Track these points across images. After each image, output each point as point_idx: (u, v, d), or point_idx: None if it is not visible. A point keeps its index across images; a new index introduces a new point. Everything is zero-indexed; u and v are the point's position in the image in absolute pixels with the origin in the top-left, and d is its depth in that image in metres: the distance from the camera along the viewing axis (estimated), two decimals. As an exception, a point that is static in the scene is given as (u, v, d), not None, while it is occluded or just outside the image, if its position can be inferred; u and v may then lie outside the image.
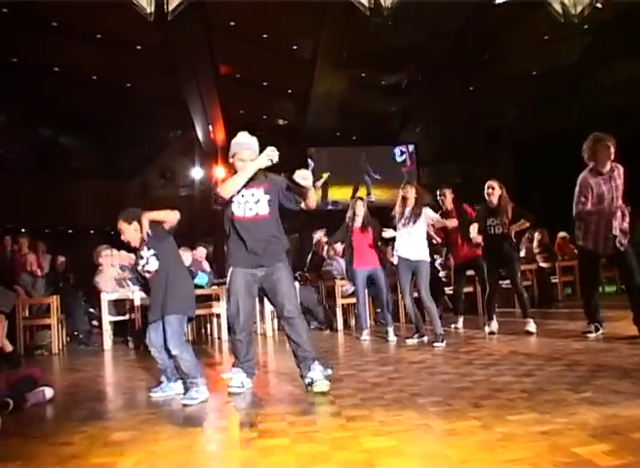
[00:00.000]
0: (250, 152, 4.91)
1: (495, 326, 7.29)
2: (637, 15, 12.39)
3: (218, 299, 9.15)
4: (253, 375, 4.92)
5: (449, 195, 8.32)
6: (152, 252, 4.62)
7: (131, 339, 8.83)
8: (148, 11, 9.09)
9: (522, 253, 11.37)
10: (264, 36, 14.34)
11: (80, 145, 17.49)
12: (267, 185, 4.84)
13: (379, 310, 10.12)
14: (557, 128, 16.51)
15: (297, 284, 9.48)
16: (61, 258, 11.00)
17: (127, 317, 9.03)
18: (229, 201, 4.75)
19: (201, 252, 10.54)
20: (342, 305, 9.89)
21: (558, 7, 11.04)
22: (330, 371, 4.77)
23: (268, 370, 6.16)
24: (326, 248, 10.54)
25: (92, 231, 17.40)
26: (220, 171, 18.20)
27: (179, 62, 14.50)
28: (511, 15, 12.53)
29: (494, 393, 3.86)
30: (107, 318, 8.90)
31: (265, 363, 6.85)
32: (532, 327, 6.94)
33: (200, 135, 17.86)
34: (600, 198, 5.96)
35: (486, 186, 7.37)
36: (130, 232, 4.76)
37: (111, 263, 9.38)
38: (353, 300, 9.98)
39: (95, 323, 9.74)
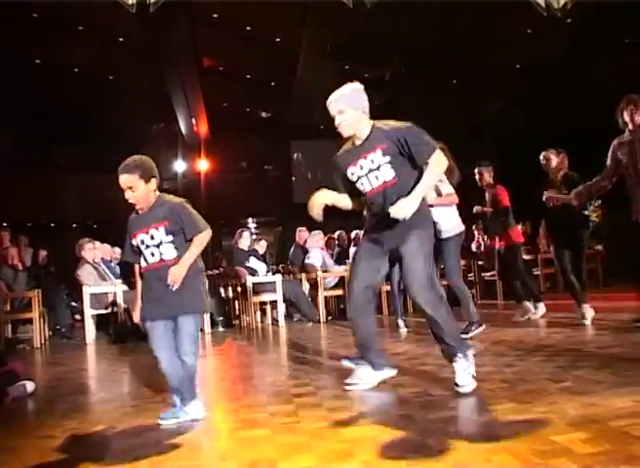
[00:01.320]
0: (334, 104, 3.92)
1: (589, 312, 6.62)
2: (619, 8, 12.46)
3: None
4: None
5: (487, 175, 7.67)
6: (170, 238, 3.53)
7: (113, 333, 8.79)
8: (130, 2, 9.02)
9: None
10: (248, 28, 14.31)
11: (62, 138, 17.35)
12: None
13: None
14: (541, 121, 16.58)
15: (279, 276, 9.53)
16: (43, 252, 10.94)
17: (109, 310, 8.99)
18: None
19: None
20: (325, 297, 9.92)
21: (541, 0, 11.07)
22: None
23: (252, 361, 6.17)
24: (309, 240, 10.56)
25: (74, 225, 17.32)
26: (202, 164, 18.16)
27: (161, 55, 14.42)
28: (494, 8, 12.55)
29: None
30: (89, 311, 8.86)
31: (250, 353, 6.86)
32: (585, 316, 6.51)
33: (183, 127, 17.80)
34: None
35: (542, 158, 7.01)
36: (144, 191, 3.53)
37: (93, 257, 9.32)
38: (336, 292, 10.03)
39: (77, 316, 9.70)
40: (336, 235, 12.01)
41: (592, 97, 15.27)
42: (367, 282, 3.98)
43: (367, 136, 3.83)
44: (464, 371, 3.66)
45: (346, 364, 4.25)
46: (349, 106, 3.82)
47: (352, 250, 11.20)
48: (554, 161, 6.91)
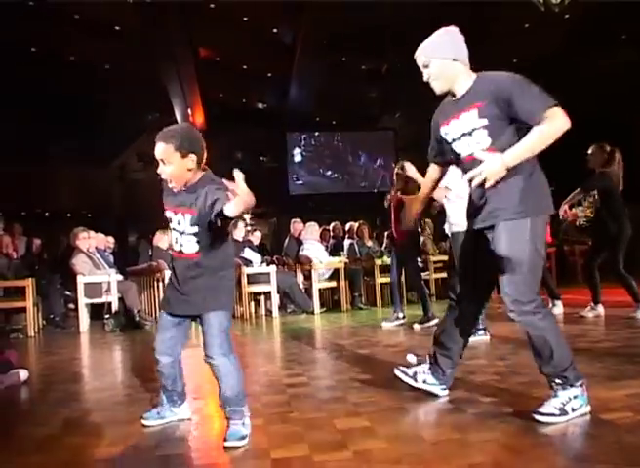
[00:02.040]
0: (418, 57, 3.23)
1: (598, 311, 6.75)
2: (616, 5, 12.47)
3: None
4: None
5: None
6: (195, 230, 3.01)
7: (107, 322, 8.79)
8: (127, -9, 8.99)
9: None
10: (245, 19, 14.25)
11: (57, 128, 17.28)
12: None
13: (356, 294, 10.19)
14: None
15: (273, 267, 9.53)
16: (37, 241, 10.91)
17: (103, 299, 8.98)
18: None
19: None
20: (319, 289, 9.94)
21: (539, -4, 11.07)
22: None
23: (245, 351, 6.18)
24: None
25: (68, 214, 17.27)
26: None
27: (158, 45, 14.37)
28: (492, 3, 12.55)
29: (467, 376, 3.90)
30: (83, 300, 8.86)
31: (244, 344, 6.87)
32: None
33: (179, 118, 17.75)
34: None
35: (591, 150, 6.75)
36: (179, 168, 2.96)
37: (88, 246, 9.31)
38: (330, 284, 10.05)
39: (71, 306, 9.69)
40: (330, 227, 12.01)
41: (588, 92, 15.30)
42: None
43: (467, 90, 3.09)
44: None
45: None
46: (435, 57, 3.12)
47: (347, 242, 11.23)
48: (600, 157, 6.67)
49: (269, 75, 17.78)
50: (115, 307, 8.88)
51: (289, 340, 6.81)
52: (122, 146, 18.61)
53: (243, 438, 2.84)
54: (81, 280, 8.82)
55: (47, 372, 5.48)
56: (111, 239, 10.63)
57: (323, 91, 17.44)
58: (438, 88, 3.16)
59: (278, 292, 9.79)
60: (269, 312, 9.91)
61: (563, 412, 2.79)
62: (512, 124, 2.93)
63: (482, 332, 5.68)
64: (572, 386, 2.88)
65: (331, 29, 14.26)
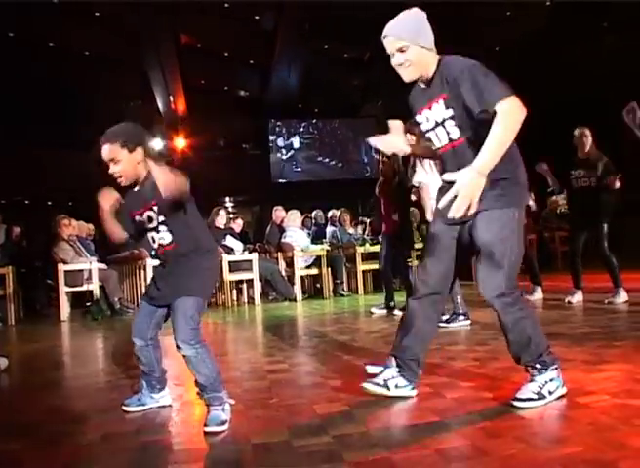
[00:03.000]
0: (392, 39, 2.94)
1: (578, 297, 6.69)
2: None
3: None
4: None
5: None
6: (162, 218, 3.02)
7: (89, 310, 8.76)
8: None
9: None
10: (226, 5, 14.18)
11: (37, 115, 17.13)
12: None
13: (338, 281, 10.21)
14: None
15: (255, 255, 9.53)
16: (17, 229, 10.84)
17: (84, 287, 8.95)
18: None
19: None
20: (301, 276, 9.95)
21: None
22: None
23: (227, 338, 6.19)
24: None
25: (49, 202, 17.15)
26: (180, 142, 18.05)
27: (139, 32, 14.27)
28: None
29: (447, 361, 3.93)
30: (65, 289, 8.82)
31: (225, 331, 6.88)
32: (620, 297, 6.37)
33: (160, 105, 17.66)
34: None
35: (576, 133, 6.58)
36: (129, 163, 3.00)
37: (69, 234, 9.26)
38: (312, 271, 10.06)
39: (52, 294, 9.65)
40: (313, 214, 12.02)
41: (569, 79, 15.38)
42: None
43: (432, 77, 2.94)
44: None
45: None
46: (415, 43, 2.89)
47: (329, 229, 11.24)
48: (589, 139, 6.54)
49: (251, 62, 17.74)
50: (96, 295, 8.85)
51: (271, 328, 6.83)
52: (103, 133, 18.48)
53: (223, 423, 2.82)
54: (62, 268, 8.78)
55: (27, 360, 5.48)
56: (92, 226, 10.57)
57: (305, 78, 17.42)
58: (410, 75, 2.97)
59: (260, 280, 9.79)
60: (251, 299, 9.92)
61: (541, 396, 2.80)
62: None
63: (462, 318, 5.72)
64: (547, 370, 2.88)
65: (312, 16, 14.22)
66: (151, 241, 3.13)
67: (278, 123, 19.95)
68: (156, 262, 3.29)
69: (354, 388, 3.32)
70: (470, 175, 2.59)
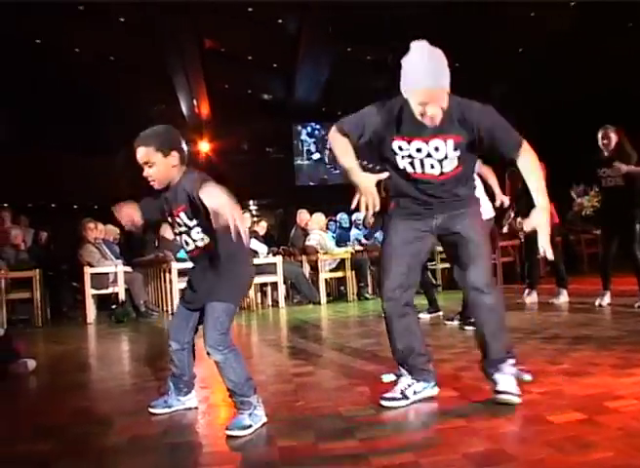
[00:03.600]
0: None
1: (607, 299, 6.59)
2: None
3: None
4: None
5: None
6: (195, 222, 2.99)
7: (114, 313, 8.82)
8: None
9: (505, 229, 11.44)
10: (249, 9, 14.23)
11: (63, 119, 17.30)
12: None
13: (362, 284, 10.18)
14: (544, 105, 16.55)
15: (280, 258, 9.54)
16: (44, 233, 10.96)
17: (110, 290, 9.01)
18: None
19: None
20: (325, 279, 9.95)
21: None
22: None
23: (252, 341, 6.20)
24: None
25: (75, 206, 17.31)
26: (204, 145, 18.14)
27: (163, 36, 14.37)
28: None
29: (473, 365, 3.89)
30: (90, 291, 8.89)
31: (250, 334, 6.89)
32: None
33: (184, 109, 17.76)
34: None
35: (600, 136, 6.52)
36: (164, 167, 2.97)
37: (95, 236, 9.33)
38: (336, 274, 10.05)
39: (78, 296, 9.74)
40: (337, 217, 12.03)
41: (595, 80, 15.24)
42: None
43: (442, 116, 2.93)
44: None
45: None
46: (444, 88, 2.95)
47: (353, 232, 11.23)
48: (614, 139, 6.45)
49: (275, 66, 17.77)
50: (122, 298, 8.91)
51: (295, 330, 6.83)
52: (128, 137, 18.61)
53: (245, 428, 2.79)
54: (88, 270, 8.85)
55: (54, 362, 5.52)
56: (118, 230, 10.64)
57: (328, 81, 17.42)
58: (433, 119, 2.94)
59: (285, 283, 9.81)
60: (276, 302, 9.93)
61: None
62: (478, 150, 3.09)
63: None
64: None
65: (336, 19, 14.22)
66: (184, 244, 3.11)
67: (302, 126, 19.99)
68: (188, 265, 3.30)
69: (380, 391, 3.31)
70: (542, 214, 2.96)
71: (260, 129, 18.97)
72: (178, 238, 3.14)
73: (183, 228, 3.04)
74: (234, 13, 14.28)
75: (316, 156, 20.18)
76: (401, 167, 3.11)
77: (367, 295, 10.04)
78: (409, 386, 3.15)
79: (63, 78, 15.91)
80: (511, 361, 3.10)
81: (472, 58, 15.98)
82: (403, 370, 3.21)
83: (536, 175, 3.04)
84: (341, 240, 11.14)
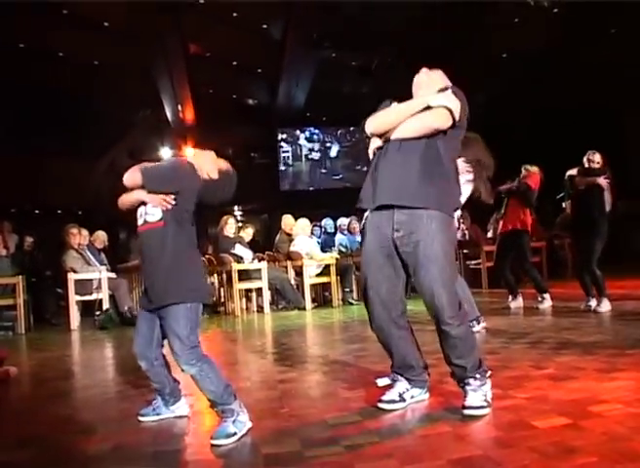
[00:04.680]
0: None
1: (593, 303, 6.59)
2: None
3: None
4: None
5: None
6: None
7: (98, 319, 8.76)
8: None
9: (489, 234, 11.49)
10: (234, 14, 14.23)
11: (47, 124, 17.20)
12: None
13: (347, 289, 10.17)
14: (527, 111, 16.63)
15: (265, 264, 9.52)
16: (30, 239, 10.88)
17: (94, 296, 8.96)
18: None
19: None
20: (311, 285, 9.93)
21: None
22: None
23: (237, 348, 6.17)
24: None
25: (59, 211, 17.20)
26: (188, 150, 18.08)
27: (147, 41, 14.33)
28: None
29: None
30: (74, 297, 8.83)
31: (235, 340, 6.86)
32: (603, 306, 6.41)
33: (169, 114, 17.71)
34: None
35: (584, 160, 6.69)
36: None
37: (78, 242, 9.28)
38: (321, 280, 10.03)
39: (62, 303, 9.67)
40: (322, 223, 12.02)
41: (578, 86, 15.34)
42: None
43: None
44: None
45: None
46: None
47: (338, 237, 11.23)
48: (597, 161, 6.64)
49: (259, 71, 17.77)
50: (106, 304, 8.86)
51: (280, 336, 6.82)
52: (111, 142, 18.53)
53: (229, 436, 2.77)
54: (72, 277, 8.80)
55: (37, 369, 5.48)
56: (105, 236, 10.60)
57: (313, 87, 17.43)
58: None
59: (269, 289, 9.78)
60: (261, 308, 9.90)
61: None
62: None
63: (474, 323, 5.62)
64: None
65: (320, 25, 14.25)
66: (138, 216, 3.05)
67: (285, 131, 19.98)
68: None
69: (365, 398, 3.31)
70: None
71: (245, 134, 18.94)
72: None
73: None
74: (219, 17, 14.27)
75: (316, 156, 20.11)
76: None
77: (352, 301, 10.03)
78: (406, 390, 3.18)
79: (48, 83, 15.83)
80: (478, 376, 2.97)
81: (456, 64, 16.08)
82: (398, 376, 3.21)
83: (405, 105, 3.08)
84: (326, 245, 11.13)
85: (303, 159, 20.12)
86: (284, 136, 19.96)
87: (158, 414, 3.24)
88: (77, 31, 13.89)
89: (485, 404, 2.90)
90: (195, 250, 3.08)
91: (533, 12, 12.54)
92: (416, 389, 3.20)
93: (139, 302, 3.14)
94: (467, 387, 2.96)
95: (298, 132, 19.88)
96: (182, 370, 2.87)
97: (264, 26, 15.22)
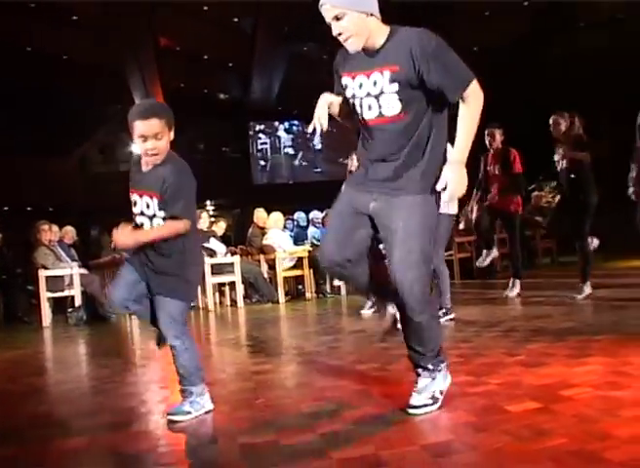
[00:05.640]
0: (327, 6, 2.63)
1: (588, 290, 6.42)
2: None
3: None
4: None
5: (498, 136, 7.28)
6: (163, 214, 2.99)
7: (70, 316, 8.70)
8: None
9: (461, 226, 11.54)
10: (205, 8, 14.17)
11: (15, 120, 16.99)
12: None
13: (321, 282, 10.17)
14: (498, 104, 16.74)
15: (237, 258, 9.50)
16: (-1, 234, 10.76)
17: (66, 293, 8.89)
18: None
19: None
20: (284, 278, 9.94)
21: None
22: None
23: (211, 341, 6.17)
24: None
25: (29, 208, 17.01)
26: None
27: (118, 35, 14.21)
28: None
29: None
30: (46, 294, 8.75)
31: (209, 334, 6.85)
32: (584, 292, 6.31)
33: (140, 109, 17.60)
34: None
35: (551, 122, 6.52)
36: (167, 141, 3.00)
37: (49, 239, 9.19)
38: (294, 273, 10.03)
39: (34, 300, 9.58)
40: (295, 216, 12.04)
41: (548, 78, 15.49)
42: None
43: (381, 46, 2.66)
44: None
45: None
46: (351, 9, 2.58)
47: (311, 230, 11.25)
48: (563, 125, 6.46)
49: (231, 65, 17.71)
50: (78, 300, 8.79)
51: (254, 330, 6.83)
52: (82, 138, 18.38)
53: (185, 414, 2.96)
54: (42, 273, 8.71)
55: (9, 366, 5.43)
56: (74, 231, 10.51)
57: (285, 80, 17.42)
58: (353, 46, 2.65)
59: (243, 282, 9.77)
60: (234, 302, 9.89)
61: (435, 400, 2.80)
62: (425, 93, 2.63)
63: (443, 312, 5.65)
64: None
65: (291, 19, 14.23)
66: (139, 226, 3.07)
67: (258, 125, 19.94)
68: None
69: (340, 387, 3.33)
70: (455, 169, 2.57)
71: (217, 128, 18.89)
72: (137, 217, 3.08)
73: (150, 212, 3.01)
74: (189, 11, 14.20)
75: (294, 148, 20.06)
76: (353, 110, 2.82)
77: (325, 293, 10.05)
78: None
79: (16, 78, 15.62)
80: (431, 367, 2.82)
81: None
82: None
83: (467, 124, 2.63)
84: (299, 238, 11.15)
85: (282, 152, 20.09)
86: (261, 126, 19.90)
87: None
88: (45, 25, 13.74)
89: (430, 401, 2.75)
90: (197, 247, 3.35)
91: (503, 4, 12.64)
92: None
93: (135, 266, 3.07)
94: (418, 379, 2.84)
95: (277, 123, 19.81)
96: (166, 341, 3.04)
97: (235, 20, 15.17)
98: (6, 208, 17.21)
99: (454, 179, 2.56)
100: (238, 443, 2.57)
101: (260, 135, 20.05)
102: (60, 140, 17.16)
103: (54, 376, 4.95)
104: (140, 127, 2.88)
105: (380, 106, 2.67)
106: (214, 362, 4.87)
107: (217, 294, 9.98)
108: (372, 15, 2.63)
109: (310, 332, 6.03)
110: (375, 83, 2.66)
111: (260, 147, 20.09)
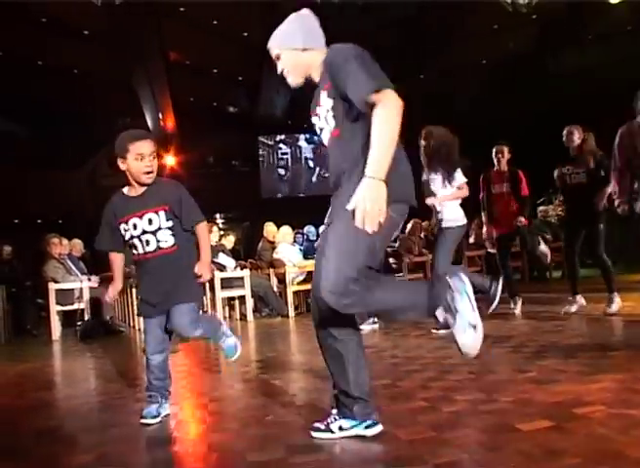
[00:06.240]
0: (269, 48, 2.84)
1: (580, 304, 6.50)
2: (582, 5, 12.66)
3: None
4: None
5: (507, 153, 7.14)
6: (170, 224, 3.31)
7: (80, 329, 8.70)
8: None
9: (471, 240, 11.52)
10: (215, 22, 14.24)
11: (26, 133, 17.11)
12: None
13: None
14: (507, 116, 16.74)
15: (247, 271, 9.49)
16: (8, 248, 10.78)
17: (75, 306, 8.89)
18: None
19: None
20: (293, 292, 9.91)
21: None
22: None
23: (220, 355, 6.15)
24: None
25: (39, 221, 17.08)
26: (169, 159, 18.04)
27: (127, 49, 14.30)
28: (461, 4, 12.66)
29: (442, 375, 3.91)
30: (55, 308, 8.76)
31: (218, 348, 6.83)
32: (614, 306, 6.14)
33: (149, 122, 17.66)
34: None
35: (565, 133, 6.51)
36: (157, 161, 3.38)
37: (59, 252, 9.21)
38: (304, 287, 10.00)
39: (43, 313, 9.60)
40: (305, 230, 12.03)
41: (557, 91, 15.48)
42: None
43: (321, 72, 2.73)
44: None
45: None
46: (285, 48, 2.74)
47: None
48: (576, 136, 6.43)
49: (240, 79, 17.77)
50: (87, 314, 8.80)
51: (264, 344, 6.80)
52: (92, 151, 18.46)
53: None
54: (52, 287, 8.73)
55: (19, 380, 5.43)
56: (81, 243, 10.53)
57: (294, 94, 17.45)
58: (292, 81, 2.80)
59: (252, 296, 9.76)
60: (244, 316, 9.87)
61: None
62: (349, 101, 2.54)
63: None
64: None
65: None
66: (144, 244, 3.32)
67: (266, 138, 19.99)
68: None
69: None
70: (366, 185, 2.32)
71: (226, 142, 18.93)
72: (134, 240, 3.33)
73: (153, 227, 3.27)
74: (199, 25, 14.27)
75: (311, 164, 20.10)
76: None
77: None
78: (335, 420, 2.81)
79: (26, 91, 15.73)
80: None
81: (437, 70, 16.19)
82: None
83: (376, 135, 2.37)
84: (309, 252, 11.13)
85: (302, 162, 20.12)
86: (282, 136, 19.94)
87: (159, 414, 3.34)
88: (56, 40, 13.83)
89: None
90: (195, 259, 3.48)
91: (511, 18, 12.61)
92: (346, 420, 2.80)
93: (142, 312, 3.38)
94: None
95: (297, 134, 19.84)
96: (187, 337, 3.72)
97: (245, 34, 15.23)
98: (16, 221, 17.28)
99: (364, 198, 2.30)
100: (247, 460, 2.56)
101: (281, 145, 20.14)
102: (70, 153, 17.25)
103: (62, 391, 4.95)
104: (139, 146, 3.23)
105: (327, 123, 2.72)
106: (223, 377, 4.87)
107: (226, 308, 9.97)
108: (306, 49, 2.73)
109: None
110: (322, 104, 2.71)
111: (280, 157, 20.15)
